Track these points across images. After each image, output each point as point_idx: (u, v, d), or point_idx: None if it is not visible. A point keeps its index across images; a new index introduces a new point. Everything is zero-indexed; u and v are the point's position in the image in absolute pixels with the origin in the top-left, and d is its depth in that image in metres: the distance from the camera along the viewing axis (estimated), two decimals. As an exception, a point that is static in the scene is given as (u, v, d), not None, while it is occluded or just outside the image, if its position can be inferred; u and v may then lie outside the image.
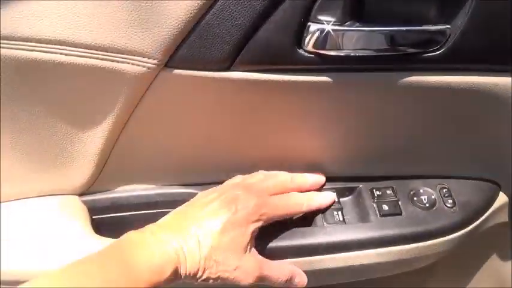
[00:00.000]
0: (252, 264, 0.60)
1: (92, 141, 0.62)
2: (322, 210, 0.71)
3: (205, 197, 0.62)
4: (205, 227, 0.58)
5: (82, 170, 0.65)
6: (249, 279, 0.59)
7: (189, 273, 0.56)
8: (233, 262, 0.58)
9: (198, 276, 0.57)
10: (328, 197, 0.72)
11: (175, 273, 0.55)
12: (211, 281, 0.58)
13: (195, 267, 0.56)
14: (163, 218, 0.61)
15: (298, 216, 0.71)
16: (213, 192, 0.63)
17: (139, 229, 0.58)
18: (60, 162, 0.64)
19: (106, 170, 0.66)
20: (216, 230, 0.58)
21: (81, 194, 0.70)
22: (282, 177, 0.69)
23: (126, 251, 0.54)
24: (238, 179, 0.69)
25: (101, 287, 0.49)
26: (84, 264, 0.52)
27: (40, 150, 0.63)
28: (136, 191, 0.71)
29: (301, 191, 0.70)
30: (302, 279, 0.66)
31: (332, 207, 0.72)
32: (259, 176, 0.68)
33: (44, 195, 0.68)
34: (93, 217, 0.69)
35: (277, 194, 0.66)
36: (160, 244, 0.55)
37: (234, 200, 0.60)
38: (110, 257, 0.53)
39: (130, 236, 0.57)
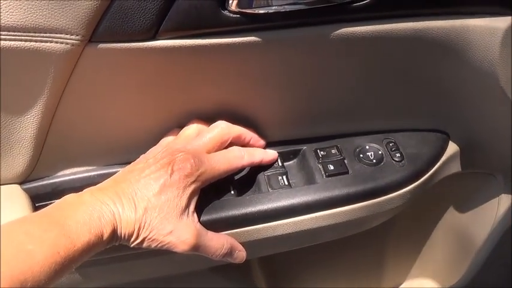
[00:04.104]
0: (187, 231, 0.59)
1: (26, 127, 0.60)
2: (267, 177, 0.70)
3: (144, 162, 0.61)
4: (141, 190, 0.57)
5: (20, 157, 0.63)
6: (183, 246, 0.58)
7: (124, 236, 0.56)
8: (167, 226, 0.57)
9: (132, 239, 0.57)
10: (270, 153, 0.71)
11: (113, 235, 0.55)
12: (145, 244, 0.58)
13: (130, 230, 0.56)
14: (103, 182, 0.61)
15: (240, 176, 0.71)
16: (152, 155, 0.62)
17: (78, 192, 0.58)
18: (-4, 152, 0.63)
19: (44, 155, 0.65)
20: (152, 192, 0.57)
21: (22, 182, 0.68)
22: (218, 128, 0.66)
23: (66, 212, 0.53)
24: (171, 137, 0.67)
25: (40, 247, 0.48)
26: (24, 224, 0.51)
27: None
28: (78, 173, 0.69)
29: (241, 140, 0.69)
30: (241, 254, 0.65)
31: (276, 172, 0.70)
32: (192, 130, 0.67)
33: (-17, 188, 0.67)
34: (36, 204, 0.68)
35: (215, 147, 0.65)
36: (98, 206, 0.55)
37: (171, 161, 0.60)
38: (50, 217, 0.52)
39: (69, 198, 0.56)
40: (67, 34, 0.52)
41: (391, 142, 0.75)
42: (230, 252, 0.64)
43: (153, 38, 0.55)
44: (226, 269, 0.73)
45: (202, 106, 0.67)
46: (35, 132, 0.61)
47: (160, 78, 0.60)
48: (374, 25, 0.59)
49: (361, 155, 0.73)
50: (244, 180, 0.71)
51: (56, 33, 0.52)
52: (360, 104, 0.72)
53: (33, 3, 0.50)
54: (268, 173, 0.70)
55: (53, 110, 0.60)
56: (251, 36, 0.57)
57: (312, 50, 0.61)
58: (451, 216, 1.00)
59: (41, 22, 0.51)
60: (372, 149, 0.74)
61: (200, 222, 0.62)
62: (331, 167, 0.71)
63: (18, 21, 0.50)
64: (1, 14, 0.50)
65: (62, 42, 0.52)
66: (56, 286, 0.51)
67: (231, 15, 0.54)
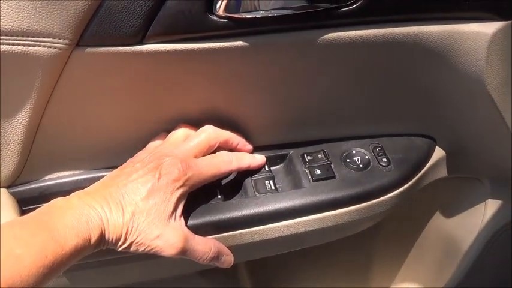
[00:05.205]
0: (175, 235, 0.58)
1: (13, 130, 0.60)
2: (254, 182, 0.70)
3: (131, 166, 0.61)
4: (129, 194, 0.58)
5: (7, 161, 0.63)
6: (170, 251, 0.58)
7: (112, 240, 0.56)
8: (155, 230, 0.57)
9: (120, 243, 0.57)
10: (258, 158, 0.71)
11: (100, 239, 0.55)
12: (132, 248, 0.58)
13: (118, 234, 0.56)
14: (90, 186, 0.61)
15: (227, 181, 0.71)
16: (139, 159, 0.63)
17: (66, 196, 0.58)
18: (-17, 156, 0.63)
19: (32, 159, 0.64)
20: (139, 197, 0.57)
21: (9, 186, 0.67)
22: (206, 132, 0.66)
23: (54, 216, 0.53)
24: (158, 142, 0.67)
25: (28, 251, 0.48)
26: (12, 228, 0.51)
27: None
28: (64, 177, 0.69)
29: (229, 145, 0.69)
30: (228, 259, 0.65)
31: (263, 176, 0.70)
32: (179, 135, 0.67)
33: (-30, 192, 0.66)
34: (24, 208, 0.68)
35: (203, 152, 0.65)
36: (86, 210, 0.55)
37: (158, 166, 0.60)
38: (38, 221, 0.52)
39: (57, 202, 0.56)
40: (54, 38, 0.52)
41: (378, 147, 0.75)
42: (217, 256, 0.63)
43: (141, 42, 0.55)
44: (212, 268, 0.74)
45: (189, 110, 0.67)
46: (22, 136, 0.61)
47: (147, 82, 0.60)
48: (362, 30, 0.59)
49: (348, 160, 0.73)
50: (231, 185, 0.71)
51: (44, 37, 0.52)
52: (348, 109, 0.72)
53: (20, 7, 0.50)
54: (255, 178, 0.70)
55: (40, 114, 0.60)
56: (238, 41, 0.57)
57: (300, 55, 0.61)
58: (438, 220, 1.00)
59: (28, 26, 0.51)
60: (359, 153, 0.74)
61: (187, 227, 0.62)
62: (318, 172, 0.70)
63: (5, 26, 0.50)
64: (-11, 18, 0.50)
65: (49, 46, 0.52)
66: (43, 289, 0.51)
67: (219, 19, 0.54)
